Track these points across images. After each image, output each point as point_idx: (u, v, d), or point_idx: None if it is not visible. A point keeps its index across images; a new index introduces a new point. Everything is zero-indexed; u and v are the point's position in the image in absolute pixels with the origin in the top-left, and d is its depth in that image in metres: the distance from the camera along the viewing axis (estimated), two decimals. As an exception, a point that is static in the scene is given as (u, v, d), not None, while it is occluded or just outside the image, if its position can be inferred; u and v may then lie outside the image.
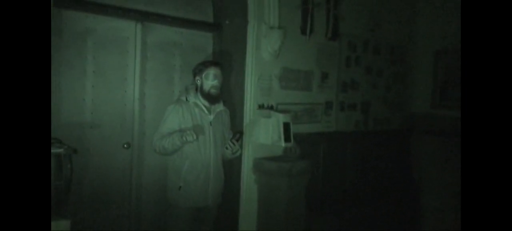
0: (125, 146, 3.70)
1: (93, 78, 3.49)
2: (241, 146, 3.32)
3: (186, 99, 3.27)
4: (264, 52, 4.04)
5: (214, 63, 3.37)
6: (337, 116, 4.92)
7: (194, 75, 3.34)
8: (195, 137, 3.02)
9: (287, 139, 3.95)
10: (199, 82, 3.30)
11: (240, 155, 3.95)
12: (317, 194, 4.57)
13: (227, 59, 4.07)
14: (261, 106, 4.10)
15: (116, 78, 3.62)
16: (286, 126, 3.97)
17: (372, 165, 5.27)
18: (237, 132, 3.31)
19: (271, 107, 4.17)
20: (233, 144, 3.23)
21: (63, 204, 2.76)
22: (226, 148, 3.27)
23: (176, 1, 3.92)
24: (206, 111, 3.28)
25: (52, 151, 2.60)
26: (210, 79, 3.25)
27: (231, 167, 4.04)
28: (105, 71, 3.54)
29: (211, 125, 3.28)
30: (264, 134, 4.03)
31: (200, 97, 3.29)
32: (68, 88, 3.37)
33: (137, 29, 3.67)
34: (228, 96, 4.03)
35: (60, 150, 2.55)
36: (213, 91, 3.26)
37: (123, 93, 3.67)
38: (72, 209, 3.41)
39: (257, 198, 4.08)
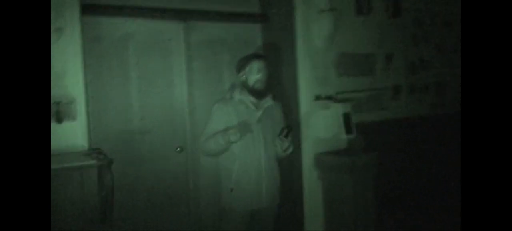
0: (178, 149, 3.59)
1: (138, 83, 3.42)
2: (291, 142, 3.04)
3: (231, 97, 3.07)
4: (316, 38, 3.74)
5: (257, 55, 3.13)
6: (407, 100, 4.48)
7: (238, 71, 3.13)
8: (238, 136, 2.80)
9: (348, 131, 3.67)
10: (243, 78, 3.09)
11: (299, 151, 3.72)
12: (390, 188, 4.17)
13: (276, 50, 3.82)
14: (318, 97, 3.80)
15: (162, 82, 3.52)
16: (347, 117, 3.68)
17: (454, 150, 4.74)
18: (285, 127, 3.02)
19: (329, 98, 3.85)
20: (282, 140, 2.97)
21: (109, 215, 2.69)
22: (275, 146, 3.03)
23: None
24: (253, 108, 3.05)
25: (90, 162, 2.55)
26: (254, 73, 3.02)
27: (291, 164, 3.80)
28: (150, 76, 3.46)
29: (259, 122, 3.05)
30: (324, 127, 3.77)
31: (246, 93, 3.07)
32: (113, 96, 3.32)
33: (179, 29, 3.54)
34: (280, 89, 3.78)
35: (93, 162, 2.46)
36: (258, 85, 3.02)
37: (171, 96, 3.57)
38: (128, 218, 3.38)
39: (321, 195, 3.80)
